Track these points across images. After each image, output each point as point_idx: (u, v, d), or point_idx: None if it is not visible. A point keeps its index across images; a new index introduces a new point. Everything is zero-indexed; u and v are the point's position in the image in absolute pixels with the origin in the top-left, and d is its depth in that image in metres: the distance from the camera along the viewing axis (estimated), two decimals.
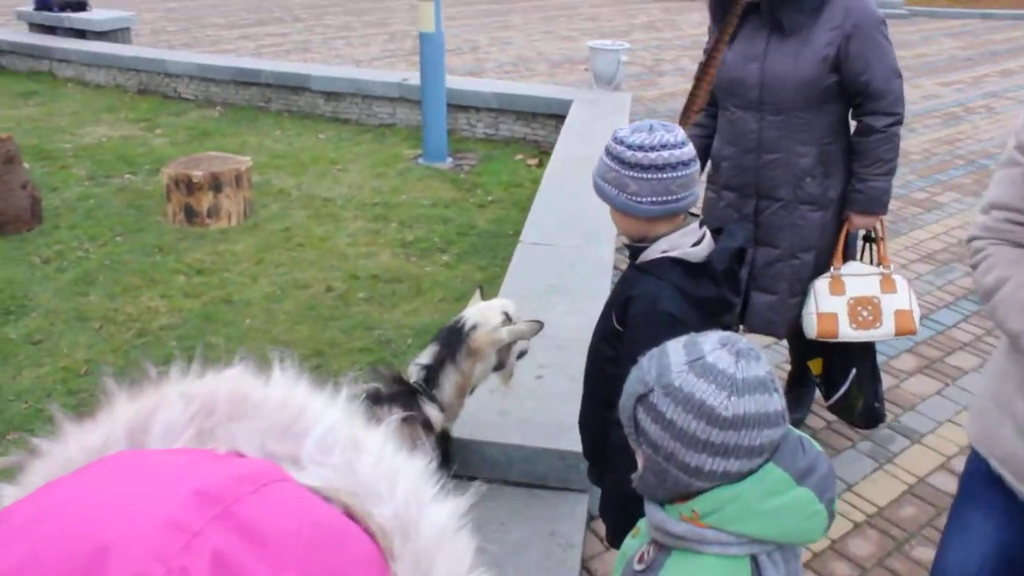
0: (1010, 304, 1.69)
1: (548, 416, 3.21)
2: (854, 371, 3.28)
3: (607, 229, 4.41)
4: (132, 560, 0.43)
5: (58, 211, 6.19)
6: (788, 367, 3.93)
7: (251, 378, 0.66)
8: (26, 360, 4.33)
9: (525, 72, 11.16)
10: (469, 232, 6.04)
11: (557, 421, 3.17)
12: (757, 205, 3.17)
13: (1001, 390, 1.84)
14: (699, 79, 3.12)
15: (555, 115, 7.93)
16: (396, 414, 2.51)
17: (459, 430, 3.08)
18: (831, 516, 1.44)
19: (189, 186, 5.86)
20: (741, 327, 3.35)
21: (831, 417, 3.96)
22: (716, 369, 1.40)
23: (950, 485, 3.49)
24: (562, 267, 4.44)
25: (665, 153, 2.01)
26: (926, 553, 3.09)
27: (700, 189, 2.18)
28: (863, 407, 3.35)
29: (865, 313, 3.11)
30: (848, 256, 3.32)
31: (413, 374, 2.83)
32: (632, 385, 1.49)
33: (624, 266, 2.54)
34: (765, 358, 1.47)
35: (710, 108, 3.24)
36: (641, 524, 1.64)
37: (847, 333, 3.12)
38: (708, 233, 2.13)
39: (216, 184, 5.90)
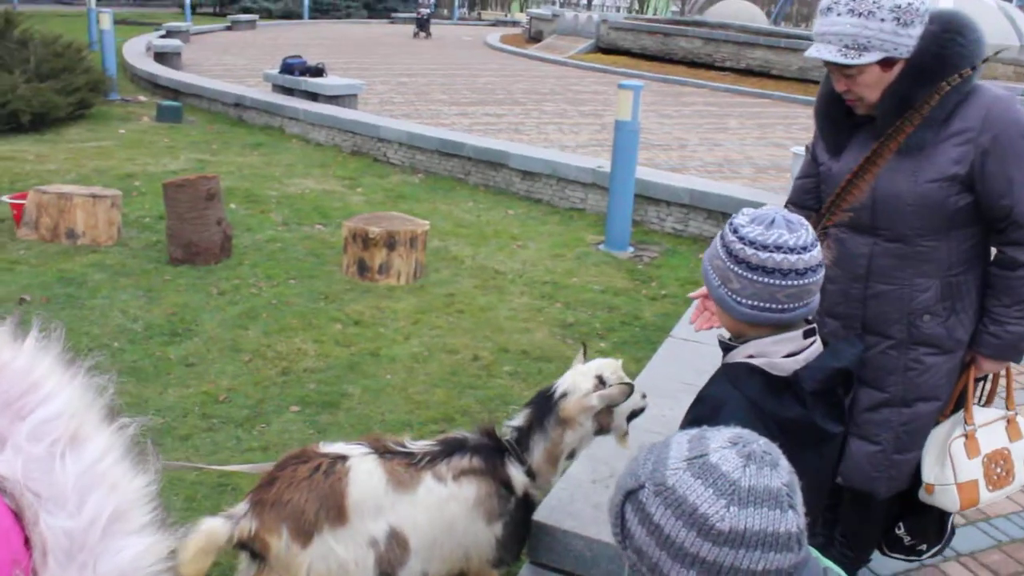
0: None
1: None
2: (951, 531, 2.80)
3: None
4: None
5: (246, 250, 6.54)
6: None
7: (3, 340, 0.57)
8: (175, 379, 4.52)
9: (729, 173, 10.92)
10: (633, 323, 5.84)
11: None
12: (863, 341, 2.55)
13: None
14: (830, 211, 2.50)
15: None
16: (475, 464, 2.42)
17: (548, 515, 2.88)
18: None
19: (365, 241, 6.04)
20: (839, 478, 2.72)
21: (988, 574, 3.44)
22: (718, 471, 1.18)
23: None
24: (705, 366, 4.14)
25: (778, 256, 1.77)
26: None
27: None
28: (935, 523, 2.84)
29: (999, 470, 2.58)
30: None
31: (506, 434, 2.75)
32: (623, 478, 1.28)
33: None
34: (786, 466, 1.22)
35: (806, 216, 2.49)
36: None
37: (987, 498, 2.60)
38: (816, 346, 1.87)
39: (391, 242, 6.04)
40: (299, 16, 36.00)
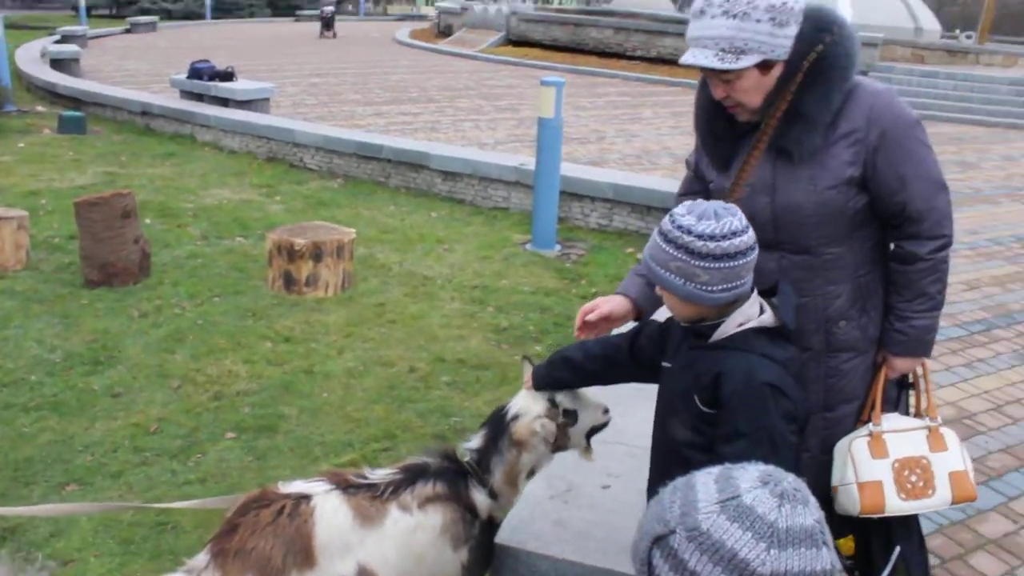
0: None
1: (609, 531, 2.92)
2: (898, 549, 2.57)
3: None
4: None
5: (166, 267, 6.33)
6: None
7: None
8: (101, 412, 4.34)
9: (648, 165, 11.02)
10: (566, 324, 5.83)
11: (618, 539, 2.88)
12: None
13: None
14: None
15: (670, 209, 7.70)
16: (439, 490, 2.35)
17: (510, 536, 2.84)
18: None
19: (291, 253, 5.90)
20: None
21: (933, 559, 3.53)
22: (754, 513, 1.15)
23: None
24: None
25: (737, 241, 1.95)
26: None
27: None
28: None
29: (914, 479, 2.45)
30: (885, 406, 2.64)
31: (466, 456, 2.69)
32: (649, 523, 1.25)
33: None
34: (815, 502, 1.21)
35: None
36: None
37: (896, 506, 2.45)
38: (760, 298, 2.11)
39: (317, 253, 5.92)
40: (201, 16, 35.09)
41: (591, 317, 2.49)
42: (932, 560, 3.51)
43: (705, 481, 1.23)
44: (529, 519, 2.95)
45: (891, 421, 2.53)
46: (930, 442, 2.49)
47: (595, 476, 3.24)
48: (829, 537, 1.19)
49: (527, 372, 2.78)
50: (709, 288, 1.96)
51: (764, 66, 2.20)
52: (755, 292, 2.10)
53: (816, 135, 2.25)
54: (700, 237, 1.93)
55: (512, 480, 2.65)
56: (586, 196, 8.21)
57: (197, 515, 3.42)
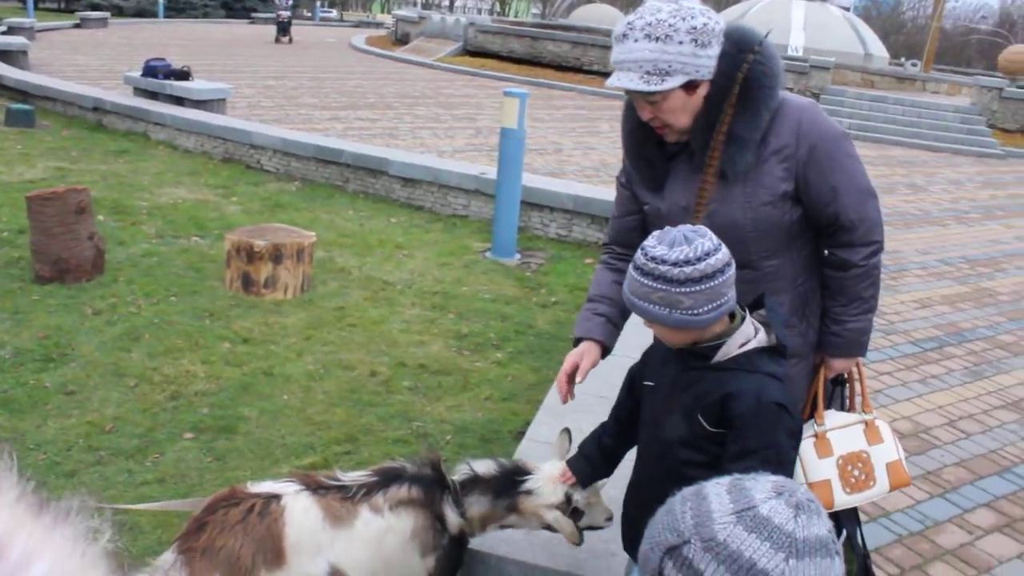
0: None
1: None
2: (844, 534, 2.72)
3: None
4: None
5: (120, 265, 6.19)
6: None
7: None
8: (55, 410, 4.22)
9: (606, 178, 11.08)
10: (527, 331, 5.83)
11: (588, 545, 2.87)
12: None
13: None
14: None
15: None
16: (413, 495, 2.32)
17: (480, 541, 2.81)
18: None
19: (250, 254, 5.81)
20: None
21: (894, 569, 3.58)
22: (772, 524, 1.15)
23: None
24: (615, 379, 4.17)
25: (712, 260, 1.96)
26: None
27: None
28: (858, 568, 2.77)
29: (857, 472, 2.56)
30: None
31: (460, 471, 2.65)
32: (660, 533, 1.23)
33: None
34: (826, 513, 1.21)
35: (630, 252, 2.29)
36: None
37: (842, 500, 2.56)
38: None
39: (277, 255, 5.84)
40: (153, 14, 34.62)
41: (579, 379, 2.53)
42: (892, 570, 3.58)
43: (717, 492, 1.22)
44: None
45: (831, 418, 2.63)
46: (867, 436, 2.61)
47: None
48: (840, 547, 1.19)
49: (562, 443, 2.73)
50: (695, 312, 1.97)
51: (689, 86, 2.23)
52: (747, 313, 2.13)
53: (749, 154, 2.30)
54: (676, 264, 1.94)
55: (485, 525, 2.64)
56: (546, 206, 8.23)
57: (156, 516, 3.33)
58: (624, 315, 2.67)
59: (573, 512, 2.57)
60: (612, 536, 2.80)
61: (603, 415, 3.81)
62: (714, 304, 1.97)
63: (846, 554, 2.71)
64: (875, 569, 3.56)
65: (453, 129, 13.98)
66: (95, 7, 32.61)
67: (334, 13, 47.75)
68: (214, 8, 39.78)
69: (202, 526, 2.24)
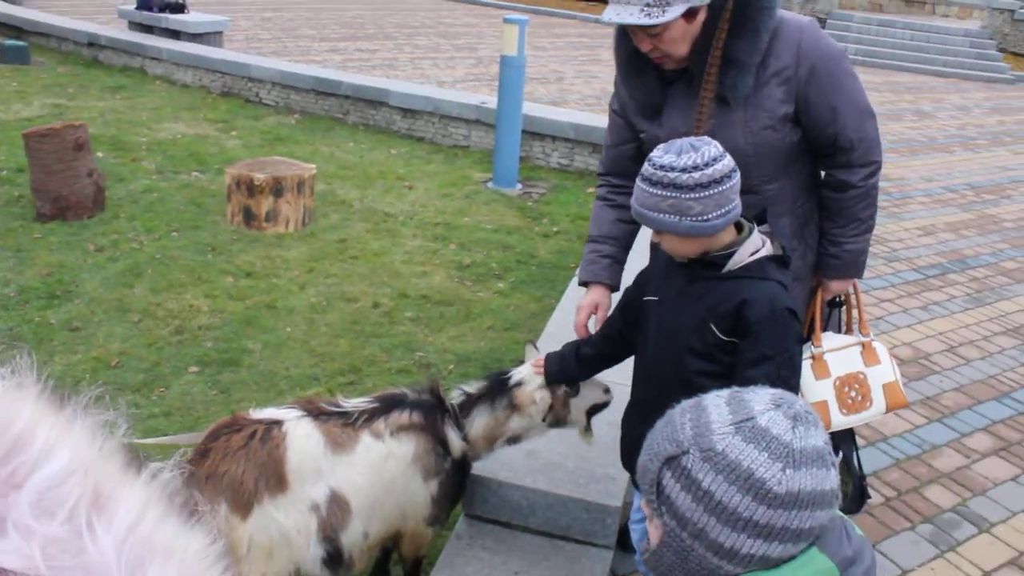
0: None
1: (579, 463, 2.96)
2: (840, 454, 2.79)
3: None
4: None
5: (121, 201, 6.18)
6: None
7: None
8: (60, 346, 4.26)
9: (607, 106, 10.97)
10: (529, 261, 5.84)
11: (588, 469, 2.93)
12: None
13: None
14: None
15: None
16: (414, 419, 2.36)
17: (482, 466, 2.86)
18: None
19: (250, 188, 5.79)
20: None
21: (891, 492, 3.64)
22: (769, 434, 1.17)
23: None
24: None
25: (719, 165, 1.98)
26: None
27: None
28: (854, 489, 2.86)
29: (854, 394, 2.60)
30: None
31: (455, 396, 2.70)
32: (660, 443, 1.25)
33: None
34: (823, 424, 1.23)
35: (631, 184, 2.32)
36: None
37: (839, 421, 2.61)
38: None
39: (277, 189, 5.82)
40: None
41: (598, 326, 2.56)
42: (890, 493, 3.63)
43: (716, 403, 1.24)
44: (500, 450, 2.97)
45: (828, 340, 2.67)
46: (864, 357, 2.65)
47: None
48: (835, 458, 1.21)
49: (530, 355, 2.76)
50: (705, 217, 1.98)
51: (689, 14, 2.21)
52: (754, 224, 2.15)
53: (749, 78, 2.29)
54: (684, 170, 1.96)
55: (492, 439, 2.66)
56: (548, 136, 8.16)
57: (164, 450, 3.38)
58: (627, 250, 2.69)
59: (568, 384, 2.61)
60: (612, 460, 2.85)
61: None
62: (723, 210, 1.99)
63: (842, 475, 2.77)
64: (873, 492, 3.62)
65: (454, 59, 13.80)
66: None
67: None
68: None
69: (205, 452, 2.27)
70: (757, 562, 1.16)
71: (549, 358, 2.60)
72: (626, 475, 2.81)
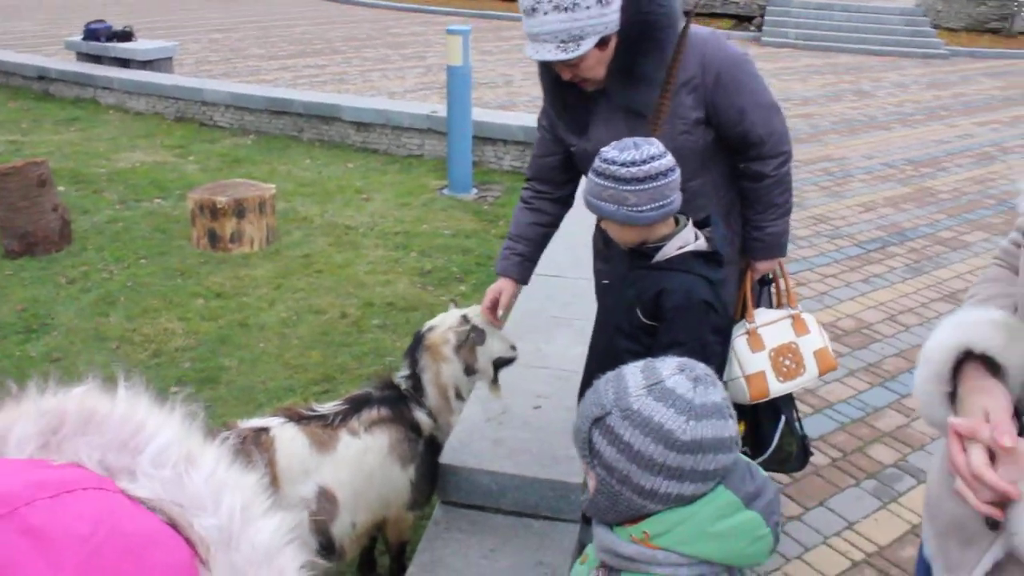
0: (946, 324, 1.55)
1: (542, 446, 3.20)
2: (783, 419, 3.03)
3: None
4: None
5: (87, 233, 6.33)
6: None
7: (99, 395, 0.70)
8: (43, 377, 4.41)
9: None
10: (487, 263, 6.06)
11: (551, 452, 3.17)
12: None
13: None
14: None
15: None
16: (383, 414, 2.60)
17: (452, 456, 3.09)
18: (776, 540, 1.45)
19: (213, 211, 5.97)
20: None
21: (836, 453, 3.92)
22: (675, 394, 1.41)
23: None
24: (568, 298, 4.45)
25: (656, 163, 2.20)
26: None
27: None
28: (798, 449, 3.08)
29: (788, 362, 2.87)
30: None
31: (402, 384, 2.94)
32: (588, 408, 1.50)
33: None
34: (720, 384, 1.48)
35: (551, 190, 2.94)
36: (589, 550, 1.64)
37: (777, 388, 2.86)
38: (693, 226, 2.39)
39: (240, 210, 6.00)
40: None
41: (500, 312, 2.91)
42: (835, 454, 3.91)
43: (633, 372, 1.48)
44: (468, 440, 3.21)
45: (761, 316, 2.94)
46: (795, 328, 2.93)
47: (526, 399, 3.51)
48: (733, 411, 1.46)
49: (451, 313, 3.03)
50: (639, 209, 2.22)
51: (602, 43, 2.44)
52: (690, 221, 2.38)
53: (655, 91, 2.52)
54: (624, 165, 2.21)
55: (443, 394, 2.90)
56: (499, 140, 8.39)
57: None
58: (539, 250, 2.99)
59: (473, 330, 2.89)
60: (571, 443, 3.09)
61: (556, 334, 4.09)
62: (657, 204, 2.22)
63: (786, 437, 3.04)
64: (820, 454, 3.90)
65: (403, 69, 13.99)
66: None
67: None
68: None
69: None
70: (674, 500, 1.41)
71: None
72: None
